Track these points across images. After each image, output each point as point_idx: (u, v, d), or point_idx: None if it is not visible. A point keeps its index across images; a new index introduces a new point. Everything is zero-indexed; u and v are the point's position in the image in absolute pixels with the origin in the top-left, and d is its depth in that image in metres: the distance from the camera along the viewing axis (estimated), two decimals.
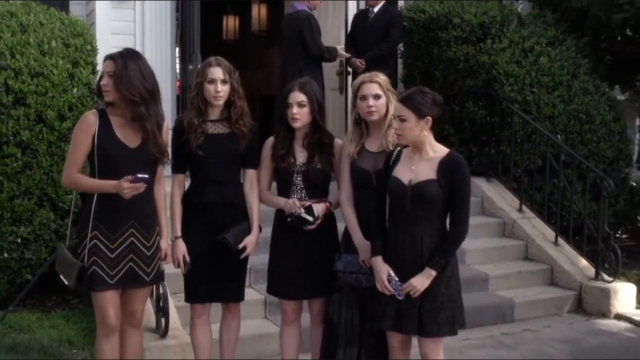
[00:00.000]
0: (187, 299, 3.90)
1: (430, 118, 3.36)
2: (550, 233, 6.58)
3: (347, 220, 3.66)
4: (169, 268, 3.90)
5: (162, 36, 7.37)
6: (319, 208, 3.67)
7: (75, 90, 5.55)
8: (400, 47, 7.99)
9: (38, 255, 5.22)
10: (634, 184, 8.28)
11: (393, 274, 3.27)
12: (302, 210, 3.62)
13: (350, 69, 7.54)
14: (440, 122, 7.61)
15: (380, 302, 3.34)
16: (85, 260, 3.44)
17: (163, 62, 7.28)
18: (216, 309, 3.99)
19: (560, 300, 6.04)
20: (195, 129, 3.74)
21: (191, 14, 7.04)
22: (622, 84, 8.88)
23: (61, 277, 3.61)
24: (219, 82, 3.71)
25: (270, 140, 3.86)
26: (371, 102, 3.59)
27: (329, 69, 7.50)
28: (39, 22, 5.91)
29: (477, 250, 6.41)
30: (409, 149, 3.41)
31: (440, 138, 7.67)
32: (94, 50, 6.13)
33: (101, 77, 3.56)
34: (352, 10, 7.83)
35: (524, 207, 6.85)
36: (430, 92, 3.39)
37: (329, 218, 3.78)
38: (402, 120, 3.33)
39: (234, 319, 3.95)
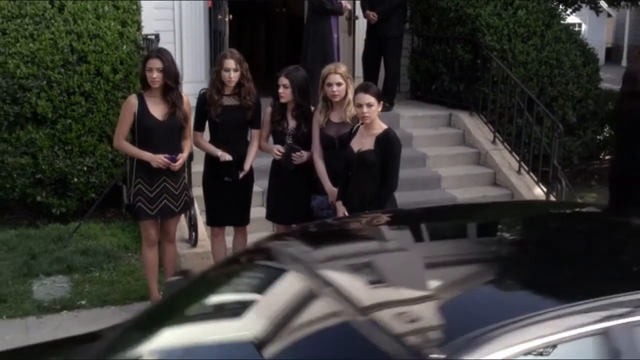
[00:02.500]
0: (207, 223, 5.44)
1: (381, 102, 4.70)
2: (515, 163, 7.90)
3: (319, 172, 5.07)
4: (198, 192, 5.42)
5: None
6: (304, 155, 5.09)
7: (125, 47, 6.95)
8: None
9: (100, 179, 6.78)
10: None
11: (347, 214, 4.70)
12: (283, 155, 5.04)
13: (357, 16, 8.72)
14: (435, 62, 8.80)
15: None
16: (132, 197, 4.97)
17: (197, 11, 8.61)
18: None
19: None
20: (215, 102, 5.15)
21: None
22: None
23: (122, 209, 5.19)
24: (232, 71, 5.08)
25: (269, 109, 5.26)
26: (335, 88, 4.93)
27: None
28: None
29: (452, 177, 7.79)
30: (362, 126, 4.75)
31: (434, 74, 8.95)
32: (138, 9, 7.50)
33: (144, 70, 4.91)
34: None
35: (497, 140, 8.15)
36: (372, 84, 4.72)
37: (307, 169, 5.20)
38: (370, 105, 4.63)
39: (242, 236, 5.48)
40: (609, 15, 29.43)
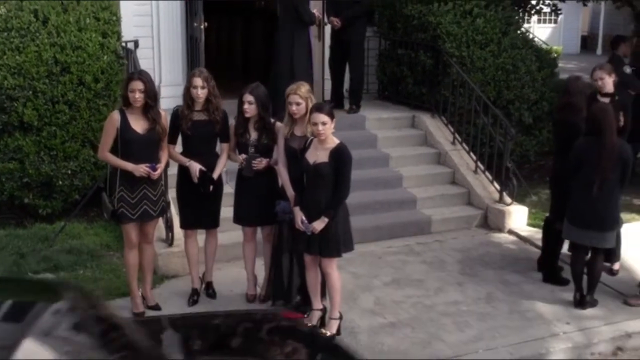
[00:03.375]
0: (181, 226, 5.98)
1: (334, 120, 5.23)
2: (472, 163, 8.47)
3: (283, 179, 5.61)
4: (173, 193, 6.01)
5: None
6: (263, 161, 5.63)
7: (105, 57, 7.44)
8: None
9: (83, 182, 7.30)
10: None
11: (304, 219, 5.24)
12: (244, 163, 5.60)
13: (326, 22, 9.22)
14: (400, 65, 9.34)
15: (299, 234, 5.34)
16: (115, 204, 5.48)
17: (175, 18, 9.09)
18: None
19: (471, 217, 8.02)
20: (186, 117, 5.67)
21: None
22: None
23: (104, 213, 5.69)
24: (199, 88, 5.60)
25: (233, 122, 5.78)
26: (294, 107, 5.44)
27: None
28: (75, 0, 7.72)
29: (414, 176, 8.35)
30: (316, 140, 5.28)
31: (399, 77, 9.50)
32: (118, 20, 7.97)
33: (127, 90, 5.39)
34: None
35: (456, 141, 8.71)
36: (326, 103, 5.23)
37: (272, 177, 5.73)
38: (324, 123, 5.16)
39: (212, 238, 6.02)
40: (585, 4, 29.93)
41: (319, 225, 5.18)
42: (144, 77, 5.45)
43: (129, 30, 8.52)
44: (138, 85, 5.35)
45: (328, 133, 5.15)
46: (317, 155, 5.20)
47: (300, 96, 5.44)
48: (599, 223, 5.87)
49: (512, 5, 9.35)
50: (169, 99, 8.88)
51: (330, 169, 5.14)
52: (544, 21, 27.52)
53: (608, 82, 6.55)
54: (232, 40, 14.40)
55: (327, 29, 9.23)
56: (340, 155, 5.15)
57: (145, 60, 8.67)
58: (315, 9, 8.76)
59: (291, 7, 8.35)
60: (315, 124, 5.10)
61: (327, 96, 9.32)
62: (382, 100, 9.96)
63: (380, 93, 10.09)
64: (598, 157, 5.74)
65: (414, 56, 9.23)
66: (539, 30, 26.45)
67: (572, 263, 6.18)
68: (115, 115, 5.46)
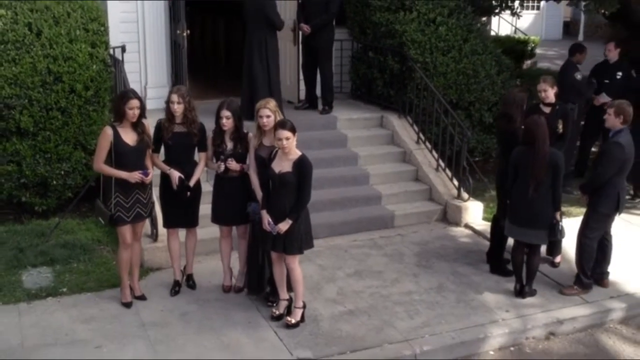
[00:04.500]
0: (163, 225, 6.70)
1: (296, 134, 5.93)
2: (434, 161, 9.20)
3: (253, 184, 6.30)
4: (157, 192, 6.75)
5: (157, 3, 9.74)
6: (236, 164, 6.34)
7: (94, 66, 8.09)
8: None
9: (75, 181, 7.98)
10: None
11: (271, 220, 5.96)
12: (223, 168, 6.31)
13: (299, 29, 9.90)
14: (370, 67, 10.02)
15: (266, 234, 6.06)
16: (113, 209, 6.17)
17: (159, 24, 9.74)
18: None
19: (431, 212, 8.77)
20: (166, 129, 6.37)
21: None
22: None
23: (99, 218, 6.39)
24: (176, 103, 6.29)
25: (211, 134, 6.48)
26: (264, 120, 6.14)
27: (285, 28, 9.82)
28: (66, 12, 8.34)
29: (380, 174, 9.08)
30: (280, 151, 5.97)
31: (370, 79, 10.20)
32: (106, 30, 8.62)
33: (125, 107, 6.05)
34: None
35: (420, 141, 9.43)
36: (288, 121, 5.93)
37: (245, 182, 6.43)
38: (287, 138, 5.86)
39: (192, 235, 6.75)
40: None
41: (284, 226, 5.90)
42: (137, 94, 6.16)
43: (116, 37, 9.19)
44: (136, 103, 6.05)
45: (291, 146, 5.86)
46: (282, 165, 5.91)
47: (269, 109, 6.14)
48: (534, 222, 6.62)
49: (473, 14, 10.04)
50: (154, 100, 9.67)
51: (294, 177, 5.86)
52: (526, 8, 28.12)
53: (550, 94, 7.28)
54: (215, 41, 15.03)
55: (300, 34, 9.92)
56: (302, 167, 5.87)
57: (131, 63, 9.40)
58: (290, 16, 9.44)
59: (262, 14, 8.99)
60: (280, 139, 5.81)
61: (302, 97, 10.05)
62: (354, 99, 10.66)
63: (353, 93, 10.78)
64: (532, 164, 6.49)
65: (382, 60, 9.92)
66: (521, 18, 27.17)
67: (512, 257, 6.95)
68: (109, 131, 6.14)
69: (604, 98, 9.52)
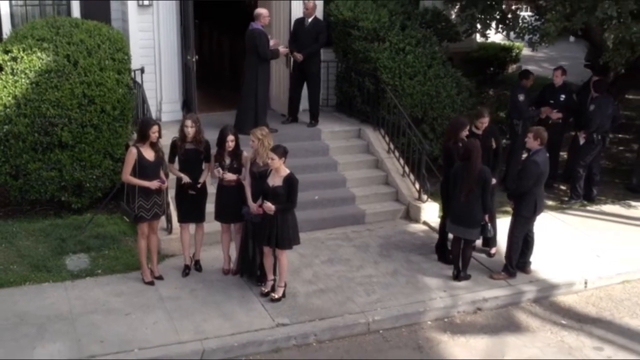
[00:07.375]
0: (178, 220, 8.58)
1: (284, 157, 7.76)
2: (401, 168, 11.01)
3: (247, 194, 8.13)
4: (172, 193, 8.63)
5: (171, 32, 11.54)
6: (232, 175, 8.19)
7: (120, 90, 9.91)
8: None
9: (104, 184, 9.84)
10: None
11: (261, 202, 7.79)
12: (222, 176, 8.16)
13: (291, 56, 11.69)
14: (351, 86, 11.85)
15: (260, 232, 7.90)
16: (136, 210, 8.01)
17: (173, 49, 11.57)
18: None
19: (396, 211, 10.58)
20: (179, 147, 8.22)
21: (187, 14, 11.16)
22: None
23: (124, 217, 8.26)
24: (189, 127, 8.13)
25: (214, 152, 8.32)
26: (251, 143, 7.98)
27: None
28: (97, 44, 10.15)
29: (355, 178, 10.88)
30: (274, 169, 7.78)
31: (351, 96, 12.05)
32: (129, 59, 10.44)
33: (149, 131, 7.88)
34: (295, 8, 11.77)
35: (390, 150, 11.24)
36: (283, 147, 7.76)
37: (240, 190, 8.25)
38: (272, 159, 7.70)
39: (200, 229, 8.63)
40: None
41: (270, 207, 7.66)
42: (157, 122, 8.01)
43: (136, 60, 10.98)
44: (156, 128, 7.91)
45: (279, 166, 7.68)
46: (275, 180, 7.75)
47: (256, 137, 7.98)
48: (467, 221, 8.44)
49: (438, 43, 11.86)
50: (167, 113, 11.53)
51: (284, 190, 7.69)
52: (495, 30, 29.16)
53: (484, 122, 9.07)
54: (221, 54, 16.77)
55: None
56: (290, 182, 7.71)
57: (149, 82, 11.25)
58: (282, 45, 11.24)
59: (254, 46, 10.79)
60: (272, 160, 7.66)
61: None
62: (338, 112, 12.46)
63: (337, 106, 12.58)
64: (467, 177, 8.31)
65: (361, 81, 11.71)
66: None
67: (451, 249, 8.80)
68: (134, 151, 7.96)
69: (547, 111, 11.37)
